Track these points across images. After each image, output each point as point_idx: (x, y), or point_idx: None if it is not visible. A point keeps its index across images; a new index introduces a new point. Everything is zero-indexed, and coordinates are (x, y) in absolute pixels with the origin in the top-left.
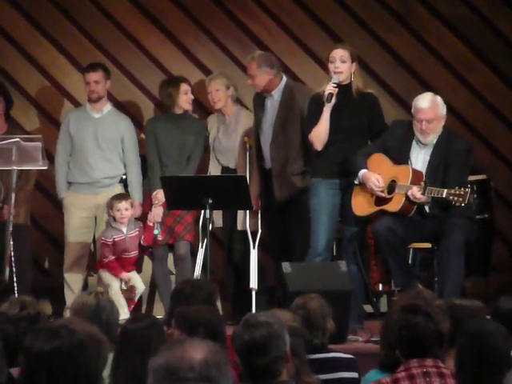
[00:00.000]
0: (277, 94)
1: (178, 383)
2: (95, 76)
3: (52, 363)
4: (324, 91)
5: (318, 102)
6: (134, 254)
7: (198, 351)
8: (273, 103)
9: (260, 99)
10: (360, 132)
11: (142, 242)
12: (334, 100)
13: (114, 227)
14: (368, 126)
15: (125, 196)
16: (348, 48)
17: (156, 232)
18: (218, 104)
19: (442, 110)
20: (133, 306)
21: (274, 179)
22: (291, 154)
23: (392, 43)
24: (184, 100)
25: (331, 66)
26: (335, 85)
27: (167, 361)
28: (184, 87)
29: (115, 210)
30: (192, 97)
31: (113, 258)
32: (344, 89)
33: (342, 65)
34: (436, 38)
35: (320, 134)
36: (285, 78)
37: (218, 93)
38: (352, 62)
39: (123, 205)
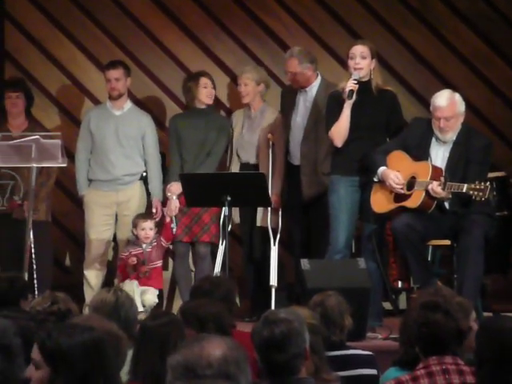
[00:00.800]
0: (311, 91)
1: (196, 380)
2: (115, 73)
3: (70, 360)
4: (343, 88)
5: (337, 99)
6: (152, 265)
7: (216, 348)
8: (306, 99)
9: (290, 95)
10: (379, 129)
11: (163, 244)
12: (354, 97)
13: (134, 244)
14: (387, 123)
15: (150, 215)
16: (368, 44)
17: (172, 225)
18: (245, 98)
19: (461, 107)
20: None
21: (302, 176)
22: (321, 152)
23: (410, 40)
24: (203, 94)
25: (351, 63)
26: (355, 81)
27: (185, 358)
28: (203, 81)
29: (140, 228)
30: (213, 91)
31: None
32: (364, 86)
33: (362, 61)
34: (454, 35)
35: (340, 131)
36: (320, 76)
37: (247, 87)
38: (372, 58)
39: (148, 224)
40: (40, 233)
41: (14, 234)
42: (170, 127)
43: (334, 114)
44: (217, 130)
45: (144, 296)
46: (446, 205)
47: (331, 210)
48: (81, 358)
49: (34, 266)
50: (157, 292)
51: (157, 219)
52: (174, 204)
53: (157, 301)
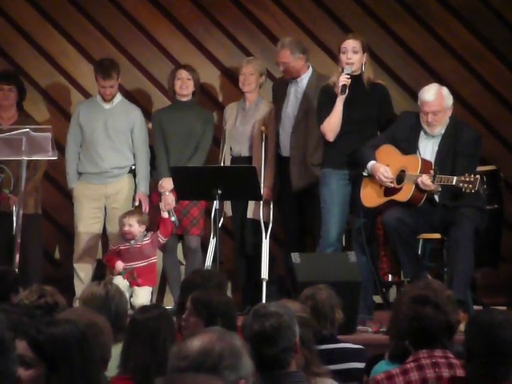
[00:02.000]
0: (302, 82)
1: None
2: (110, 82)
3: (67, 353)
4: (335, 82)
5: (329, 93)
6: (140, 263)
7: (199, 340)
8: (297, 90)
9: (281, 86)
10: (371, 123)
11: (160, 241)
12: (347, 91)
13: (124, 239)
14: (378, 117)
15: (131, 212)
16: (359, 38)
17: (173, 219)
18: (247, 87)
19: (448, 101)
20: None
21: (292, 166)
22: (311, 143)
23: (402, 34)
24: (177, 85)
25: (343, 57)
26: (348, 76)
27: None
28: (178, 72)
29: (121, 224)
30: (188, 82)
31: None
32: (355, 80)
33: (354, 56)
34: (445, 29)
35: (333, 125)
36: (311, 67)
37: (251, 77)
38: (363, 52)
39: (126, 220)
40: (28, 226)
41: (2, 228)
42: (154, 122)
43: (326, 109)
44: (202, 123)
45: (136, 301)
46: (436, 198)
47: (323, 204)
48: (77, 350)
49: (17, 259)
50: (150, 290)
51: (146, 211)
52: (170, 198)
53: (148, 302)
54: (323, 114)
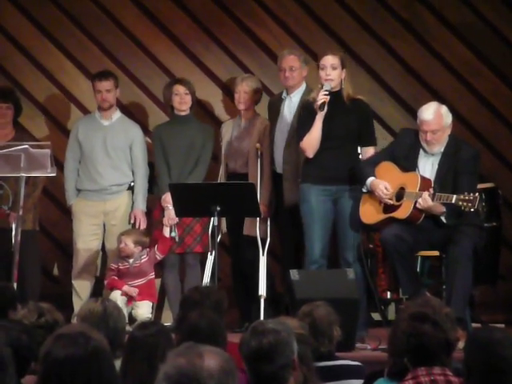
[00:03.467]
0: (296, 97)
1: None
2: (107, 85)
3: (64, 370)
4: (314, 98)
5: (309, 109)
6: (140, 281)
7: (213, 359)
8: (290, 105)
9: (275, 104)
10: (351, 138)
11: (157, 257)
12: (326, 108)
13: (122, 258)
14: (358, 132)
15: (130, 232)
16: (338, 54)
17: (173, 234)
18: (242, 105)
19: (447, 119)
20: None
21: (284, 182)
22: (304, 158)
23: (399, 50)
24: (176, 101)
25: (322, 74)
26: (327, 92)
27: (184, 367)
28: (175, 88)
29: (118, 241)
30: (186, 97)
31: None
32: (335, 96)
33: (332, 72)
34: (443, 45)
35: (312, 142)
36: (305, 83)
37: (246, 95)
38: (342, 68)
39: (124, 238)
40: (26, 242)
41: (0, 244)
42: (154, 137)
43: (305, 125)
44: (202, 136)
45: (137, 311)
46: (443, 219)
47: (304, 220)
48: (74, 369)
49: (15, 276)
50: (151, 304)
51: (141, 228)
52: (173, 213)
53: (150, 316)
54: (303, 131)
